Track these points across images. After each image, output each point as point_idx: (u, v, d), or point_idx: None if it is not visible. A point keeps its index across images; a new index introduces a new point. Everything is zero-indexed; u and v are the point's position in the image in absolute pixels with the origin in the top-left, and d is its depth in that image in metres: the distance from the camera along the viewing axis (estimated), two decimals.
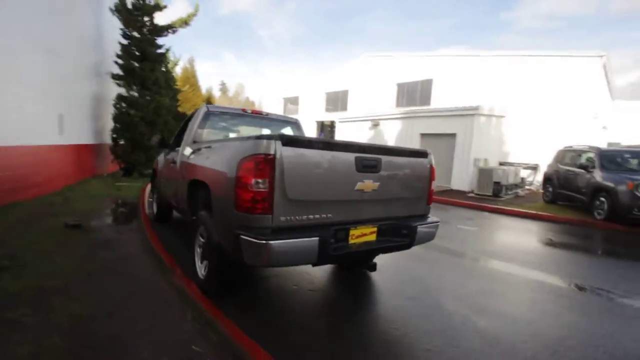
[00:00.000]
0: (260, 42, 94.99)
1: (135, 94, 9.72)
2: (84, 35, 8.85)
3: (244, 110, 4.32)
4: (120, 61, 9.51)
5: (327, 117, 23.34)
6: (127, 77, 9.48)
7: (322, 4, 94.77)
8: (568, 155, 9.13)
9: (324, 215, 2.33)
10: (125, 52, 9.48)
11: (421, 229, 2.81)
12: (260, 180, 2.06)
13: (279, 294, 3.02)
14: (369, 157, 2.50)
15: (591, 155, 7.78)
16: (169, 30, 9.97)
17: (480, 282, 3.58)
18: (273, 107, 26.70)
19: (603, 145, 14.27)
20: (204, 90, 30.76)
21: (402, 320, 2.62)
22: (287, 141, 2.11)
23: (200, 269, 2.95)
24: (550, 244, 5.63)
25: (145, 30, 9.68)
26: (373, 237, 2.61)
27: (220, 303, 2.56)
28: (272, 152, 2.05)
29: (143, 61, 9.62)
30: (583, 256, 5.17)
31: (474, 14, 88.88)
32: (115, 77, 9.61)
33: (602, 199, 6.91)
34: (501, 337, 2.44)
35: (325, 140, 2.34)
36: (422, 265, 3.99)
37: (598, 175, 7.17)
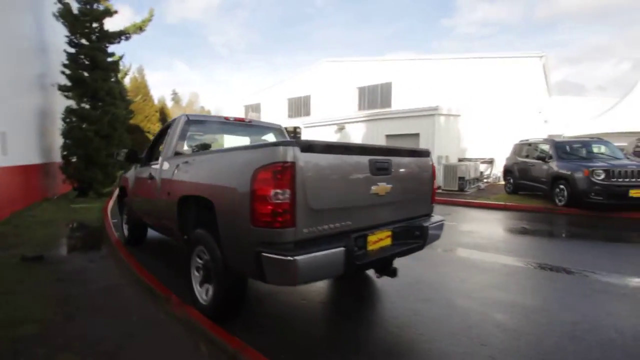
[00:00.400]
0: (212, 50, 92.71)
1: (87, 106, 8.88)
2: (23, 44, 7.93)
3: (226, 118, 4.06)
4: (67, 71, 8.64)
5: (291, 123, 23.17)
6: (76, 88, 8.63)
7: (273, 10, 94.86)
8: (525, 148, 9.83)
9: (344, 223, 2.21)
10: (73, 61, 8.64)
11: (431, 228, 2.79)
12: (280, 191, 1.89)
13: (289, 310, 2.83)
14: (381, 159, 2.43)
15: (547, 146, 8.43)
16: (122, 37, 9.27)
17: (480, 276, 3.65)
18: (233, 114, 26.07)
19: (545, 137, 15.66)
20: (156, 101, 29.17)
21: (423, 325, 2.56)
22: (306, 147, 1.96)
23: (201, 293, 2.68)
24: (526, 232, 5.96)
25: (94, 37, 8.91)
26: (389, 242, 2.54)
27: (231, 328, 2.33)
28: (291, 159, 1.89)
29: (93, 70, 8.84)
30: (560, 241, 5.53)
31: (416, 21, 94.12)
32: (62, 88, 8.72)
33: (562, 186, 7.49)
34: (521, 329, 2.47)
35: (342, 144, 2.23)
36: (420, 264, 3.99)
37: (555, 165, 7.77)
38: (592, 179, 6.75)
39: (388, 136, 15.06)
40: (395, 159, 2.56)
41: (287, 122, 23.61)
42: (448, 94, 16.27)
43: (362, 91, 19.74)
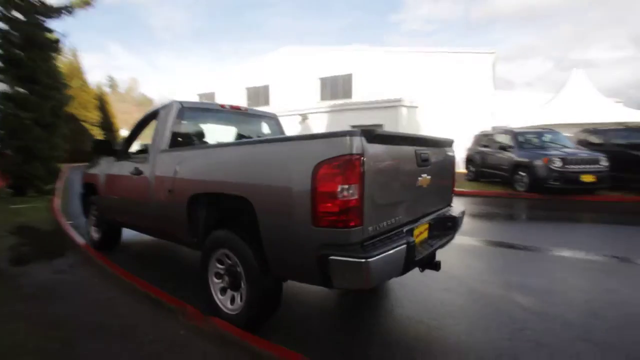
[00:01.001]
0: (153, 34, 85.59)
1: (24, 91, 7.59)
2: None
3: (222, 105, 3.68)
4: None
5: None
6: (9, 69, 7.32)
7: None
8: (484, 138, 10.51)
9: (396, 218, 2.09)
10: (4, 39, 7.29)
11: (460, 219, 2.80)
12: (347, 187, 1.70)
13: (312, 303, 2.67)
14: (424, 149, 2.34)
15: (507, 137, 9.08)
16: (65, 11, 8.02)
17: (483, 261, 3.80)
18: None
19: (492, 128, 16.99)
20: (91, 86, 26.07)
21: (457, 315, 2.57)
22: (372, 136, 1.80)
23: (223, 301, 2.41)
24: (498, 215, 6.39)
25: (30, 11, 7.59)
26: (426, 235, 2.48)
27: (269, 336, 2.12)
28: (358, 150, 1.72)
29: (30, 49, 7.56)
30: (534, 224, 6.01)
31: (366, 15, 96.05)
32: None
33: (522, 173, 8.14)
34: (549, 312, 2.58)
35: (400, 134, 2.09)
36: None
37: (516, 154, 8.42)
38: (550, 166, 7.43)
39: (352, 127, 15.19)
40: (431, 149, 2.50)
41: None
42: (406, 86, 16.82)
43: (323, 82, 19.62)
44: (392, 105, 14.12)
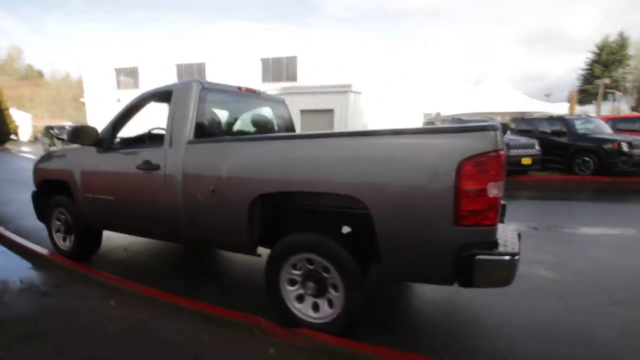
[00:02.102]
0: None
1: None
2: None
3: (239, 88, 3.22)
4: None
5: None
6: None
7: None
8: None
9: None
10: None
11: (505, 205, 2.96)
12: (494, 184, 1.64)
13: (398, 298, 2.60)
14: None
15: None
16: None
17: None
18: (98, 79, 20.98)
19: (425, 115, 18.52)
20: None
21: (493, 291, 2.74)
22: (505, 130, 1.74)
23: (304, 309, 2.18)
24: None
25: None
26: None
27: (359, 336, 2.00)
28: (502, 146, 1.65)
29: None
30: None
31: None
32: None
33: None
34: (569, 280, 2.94)
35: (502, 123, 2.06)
36: None
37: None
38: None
39: (303, 111, 14.96)
40: None
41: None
42: (350, 72, 17.11)
43: (266, 63, 18.75)
44: (343, 90, 14.23)
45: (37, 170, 3.68)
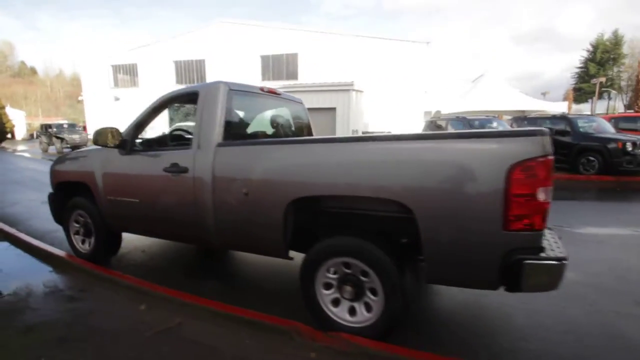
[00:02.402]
0: None
1: None
2: None
3: (261, 88, 3.20)
4: None
5: None
6: None
7: None
8: (433, 123, 11.36)
9: None
10: None
11: None
12: (543, 188, 1.65)
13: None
14: None
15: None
16: None
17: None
18: (94, 77, 20.73)
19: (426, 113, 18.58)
20: None
21: None
22: (551, 134, 1.75)
23: (339, 313, 2.19)
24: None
25: None
26: None
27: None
28: (551, 151, 1.66)
29: None
30: None
31: None
32: None
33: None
34: (589, 281, 2.98)
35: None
36: None
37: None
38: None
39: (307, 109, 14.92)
40: None
41: (175, 89, 20.38)
42: (351, 70, 17.09)
43: (265, 60, 18.65)
44: (345, 88, 14.20)
45: (54, 172, 3.64)
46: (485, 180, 1.69)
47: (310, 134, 3.89)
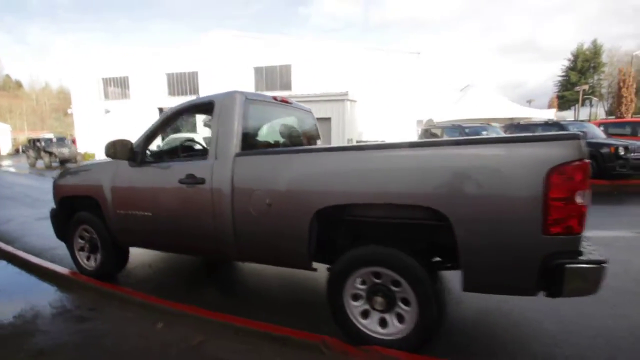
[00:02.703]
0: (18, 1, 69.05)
1: None
2: None
3: (274, 98, 3.18)
4: None
5: (173, 103, 19.99)
6: None
7: None
8: (429, 132, 11.51)
9: None
10: None
11: None
12: (582, 192, 1.65)
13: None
14: None
15: (456, 131, 10.08)
16: None
17: None
18: (84, 90, 20.47)
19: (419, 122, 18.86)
20: None
21: None
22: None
23: (370, 325, 2.13)
24: None
25: None
26: None
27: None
28: (587, 154, 1.67)
29: None
30: None
31: (276, 4, 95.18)
32: None
33: None
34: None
35: None
36: None
37: None
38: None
39: None
40: None
41: (168, 102, 20.20)
42: (343, 80, 17.25)
43: (259, 71, 18.70)
44: (340, 98, 14.29)
45: (57, 187, 3.51)
46: (523, 185, 1.67)
47: (315, 141, 3.88)
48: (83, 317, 2.59)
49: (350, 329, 2.16)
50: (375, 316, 2.13)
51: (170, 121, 3.03)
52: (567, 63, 51.42)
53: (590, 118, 38.41)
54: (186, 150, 3.42)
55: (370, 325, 2.13)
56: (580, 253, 1.71)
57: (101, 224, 3.18)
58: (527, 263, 1.71)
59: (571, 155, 1.63)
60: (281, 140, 3.20)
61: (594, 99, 45.16)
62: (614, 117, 36.89)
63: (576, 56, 50.07)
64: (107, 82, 20.85)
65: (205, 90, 19.18)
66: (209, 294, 3.09)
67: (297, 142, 3.44)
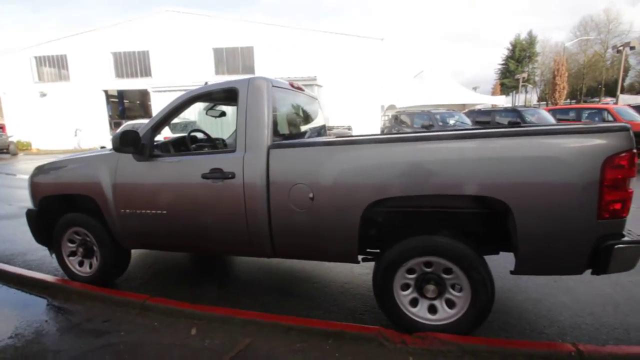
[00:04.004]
0: None
1: None
2: None
3: (291, 84, 3.02)
4: None
5: (121, 85, 18.27)
6: None
7: None
8: (399, 117, 11.83)
9: None
10: None
11: None
12: (631, 179, 1.80)
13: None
14: None
15: (426, 117, 10.45)
16: None
17: None
18: (12, 69, 17.85)
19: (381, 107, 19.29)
20: None
21: None
22: None
23: (420, 312, 2.17)
24: None
25: None
26: None
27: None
28: (635, 145, 1.81)
29: None
30: None
31: None
32: None
33: None
34: None
35: None
36: None
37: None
38: None
39: None
40: None
41: (114, 84, 18.36)
42: (308, 64, 17.01)
43: (219, 53, 17.68)
44: (309, 83, 14.03)
45: (36, 185, 3.05)
46: (582, 174, 1.78)
47: (325, 130, 3.79)
48: (99, 331, 2.33)
49: (401, 317, 2.18)
50: (424, 303, 2.17)
51: (179, 109, 2.74)
52: (506, 52, 55.51)
53: (525, 104, 42.10)
54: (194, 142, 3.15)
55: (420, 313, 2.17)
56: (623, 234, 1.88)
57: (98, 225, 2.85)
58: (582, 246, 1.85)
59: (624, 146, 1.76)
60: (302, 129, 3.07)
61: (529, 86, 49.55)
62: (545, 103, 40.74)
63: (514, 45, 54.20)
64: (40, 61, 18.34)
65: (160, 71, 17.74)
66: (226, 292, 2.94)
67: (314, 130, 3.33)
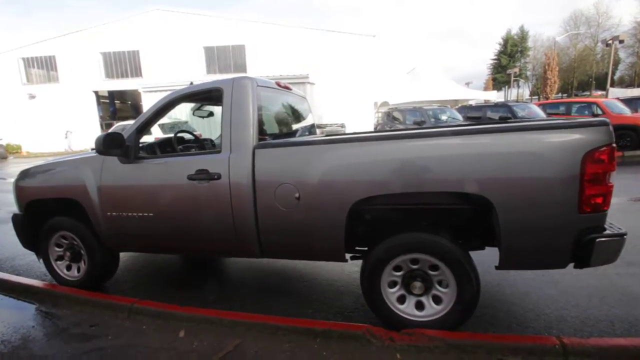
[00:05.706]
0: None
1: None
2: None
3: (277, 83, 3.00)
4: None
5: (111, 86, 18.06)
6: None
7: None
8: (392, 114, 11.86)
9: None
10: None
11: None
12: (610, 173, 1.82)
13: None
14: None
15: (418, 113, 10.51)
16: None
17: None
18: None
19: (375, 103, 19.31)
20: None
21: None
22: None
23: (407, 309, 2.19)
24: None
25: None
26: None
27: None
28: (614, 139, 1.83)
29: None
30: None
31: None
32: None
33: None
34: None
35: None
36: None
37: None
38: None
39: None
40: None
41: (104, 85, 18.15)
42: (300, 62, 16.94)
43: (210, 51, 17.54)
44: (301, 81, 14.00)
45: (21, 189, 3.01)
46: (562, 169, 1.80)
47: (315, 128, 3.79)
48: (87, 335, 2.31)
49: (388, 315, 2.20)
50: (412, 300, 2.19)
51: (164, 110, 2.72)
52: (498, 47, 55.77)
53: (517, 98, 42.42)
54: (180, 143, 3.13)
55: (407, 310, 2.19)
56: (604, 228, 1.91)
57: (85, 229, 2.82)
58: (564, 240, 1.87)
59: (604, 140, 1.78)
60: (290, 128, 3.06)
61: (521, 81, 49.91)
62: (537, 97, 41.07)
63: (506, 40, 54.47)
64: (28, 62, 18.06)
65: (150, 71, 17.57)
66: (210, 293, 2.94)
67: (303, 130, 3.32)
